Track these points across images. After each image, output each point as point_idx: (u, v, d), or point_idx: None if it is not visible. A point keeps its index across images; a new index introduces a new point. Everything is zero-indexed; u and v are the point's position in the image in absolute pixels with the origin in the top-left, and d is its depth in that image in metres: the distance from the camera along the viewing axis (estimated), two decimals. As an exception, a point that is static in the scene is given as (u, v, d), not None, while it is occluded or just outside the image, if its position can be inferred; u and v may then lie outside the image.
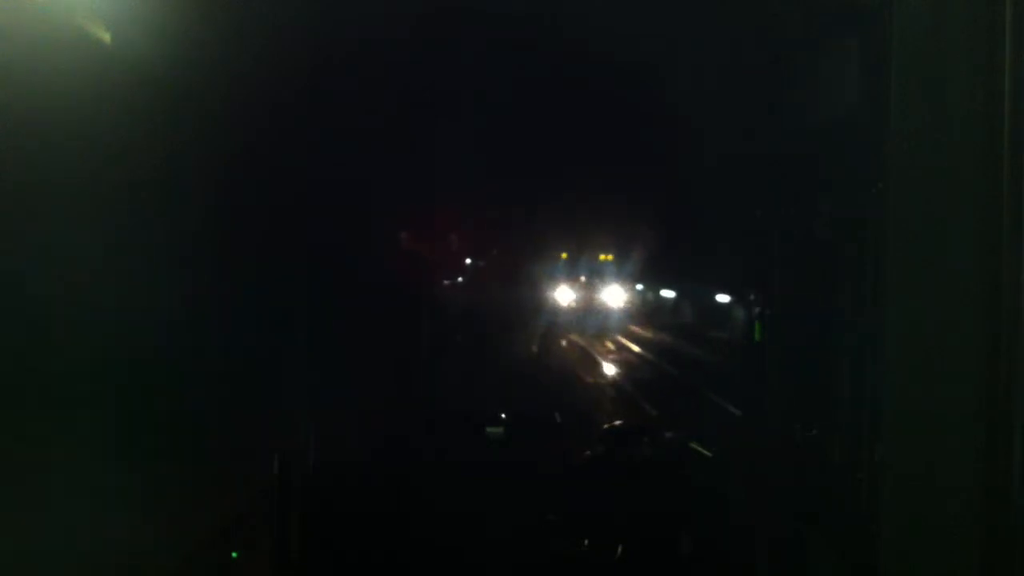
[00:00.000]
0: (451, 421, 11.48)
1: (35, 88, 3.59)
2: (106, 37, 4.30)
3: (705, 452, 9.64)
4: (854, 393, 3.96)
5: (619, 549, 8.06)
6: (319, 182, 7.87)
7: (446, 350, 16.51)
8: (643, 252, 30.10)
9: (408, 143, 11.32)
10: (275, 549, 6.28)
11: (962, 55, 2.63)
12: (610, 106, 15.61)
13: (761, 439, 6.15)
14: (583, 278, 34.32)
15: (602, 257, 33.49)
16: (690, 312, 30.37)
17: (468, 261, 24.29)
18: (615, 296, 34.08)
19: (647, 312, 34.02)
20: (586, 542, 8.21)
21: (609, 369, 22.76)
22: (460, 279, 23.53)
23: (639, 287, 35.33)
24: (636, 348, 27.03)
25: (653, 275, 32.27)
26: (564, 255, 33.06)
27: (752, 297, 6.55)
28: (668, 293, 33.67)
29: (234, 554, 6.08)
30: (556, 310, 31.77)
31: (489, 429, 10.92)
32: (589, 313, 32.41)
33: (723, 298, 21.43)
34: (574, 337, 28.59)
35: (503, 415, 11.25)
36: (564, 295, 33.71)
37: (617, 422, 12.53)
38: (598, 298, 33.96)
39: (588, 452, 10.48)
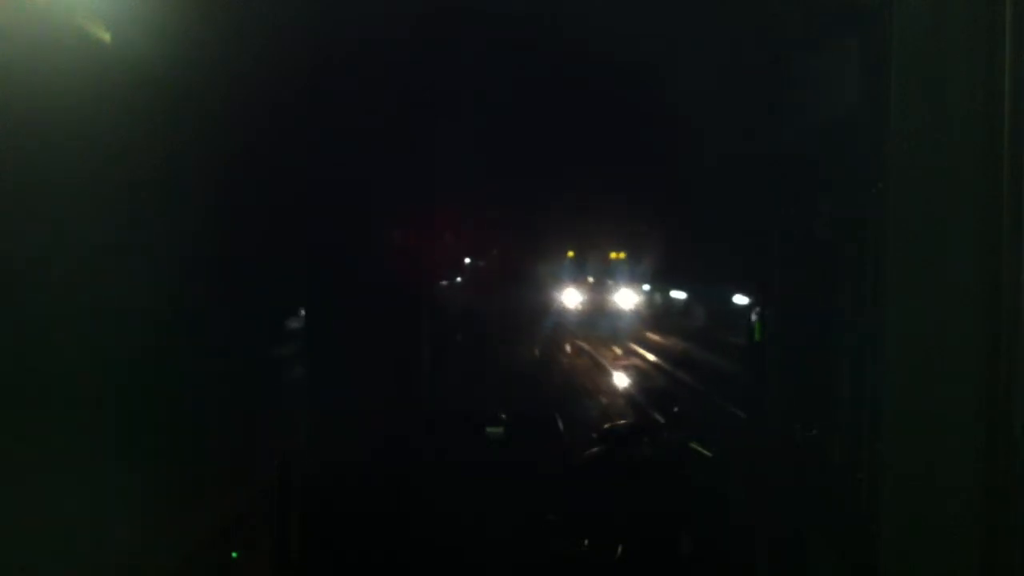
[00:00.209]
0: (451, 421, 11.48)
1: (35, 88, 3.58)
2: (106, 37, 4.30)
3: (705, 452, 9.64)
4: (854, 393, 3.96)
5: (619, 549, 8.07)
6: (319, 182, 7.87)
7: (446, 350, 16.52)
8: (655, 251, 28.39)
9: (408, 143, 11.32)
10: (275, 549, 6.29)
11: (962, 55, 2.63)
12: (610, 106, 15.61)
13: (761, 439, 6.15)
14: (591, 279, 32.60)
15: (612, 255, 31.71)
16: (703, 315, 27.98)
17: (468, 261, 24.27)
18: (626, 298, 32.08)
19: (657, 315, 31.77)
20: (586, 542, 8.22)
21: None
22: (459, 279, 23.51)
23: (645, 288, 33.30)
24: (679, 374, 22.26)
25: (662, 275, 30.41)
26: (571, 253, 31.53)
27: (752, 297, 6.55)
28: (678, 294, 31.43)
29: (234, 554, 6.08)
30: (562, 312, 29.88)
31: (489, 429, 10.91)
32: (599, 317, 30.51)
33: (740, 299, 19.51)
34: (585, 346, 26.80)
35: (503, 415, 11.24)
36: (571, 297, 31.96)
37: (617, 422, 12.53)
38: (608, 300, 31.99)
39: (588, 452, 10.48)
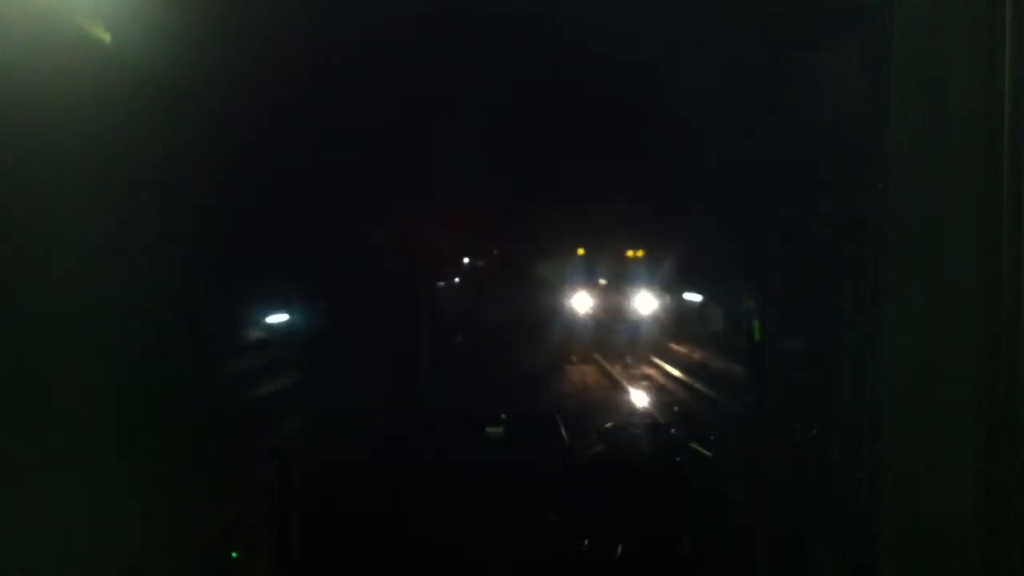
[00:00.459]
0: (451, 421, 11.47)
1: (35, 88, 3.58)
2: (106, 37, 4.30)
3: (705, 452, 9.62)
4: (854, 393, 3.96)
5: (619, 549, 8.06)
6: (319, 182, 7.88)
7: (446, 350, 16.52)
8: (674, 251, 25.10)
9: (408, 143, 11.32)
10: (275, 549, 6.28)
11: (962, 55, 2.63)
12: (610, 106, 15.61)
13: (761, 439, 6.15)
14: (603, 281, 28.97)
15: (630, 253, 28.28)
16: (722, 319, 23.39)
17: (467, 261, 24.18)
18: (646, 302, 28.06)
19: (675, 321, 27.64)
20: (586, 542, 8.21)
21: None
22: (458, 280, 23.44)
23: (665, 290, 28.77)
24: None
25: (675, 277, 26.62)
26: (581, 251, 28.47)
27: (753, 297, 6.54)
28: (692, 297, 27.19)
29: (234, 554, 6.08)
30: (571, 321, 26.38)
31: (489, 429, 10.90)
32: (615, 323, 26.92)
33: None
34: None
35: (503, 415, 11.23)
36: (581, 301, 28.41)
37: (618, 422, 12.52)
38: (624, 304, 28.16)
39: (588, 452, 10.47)
